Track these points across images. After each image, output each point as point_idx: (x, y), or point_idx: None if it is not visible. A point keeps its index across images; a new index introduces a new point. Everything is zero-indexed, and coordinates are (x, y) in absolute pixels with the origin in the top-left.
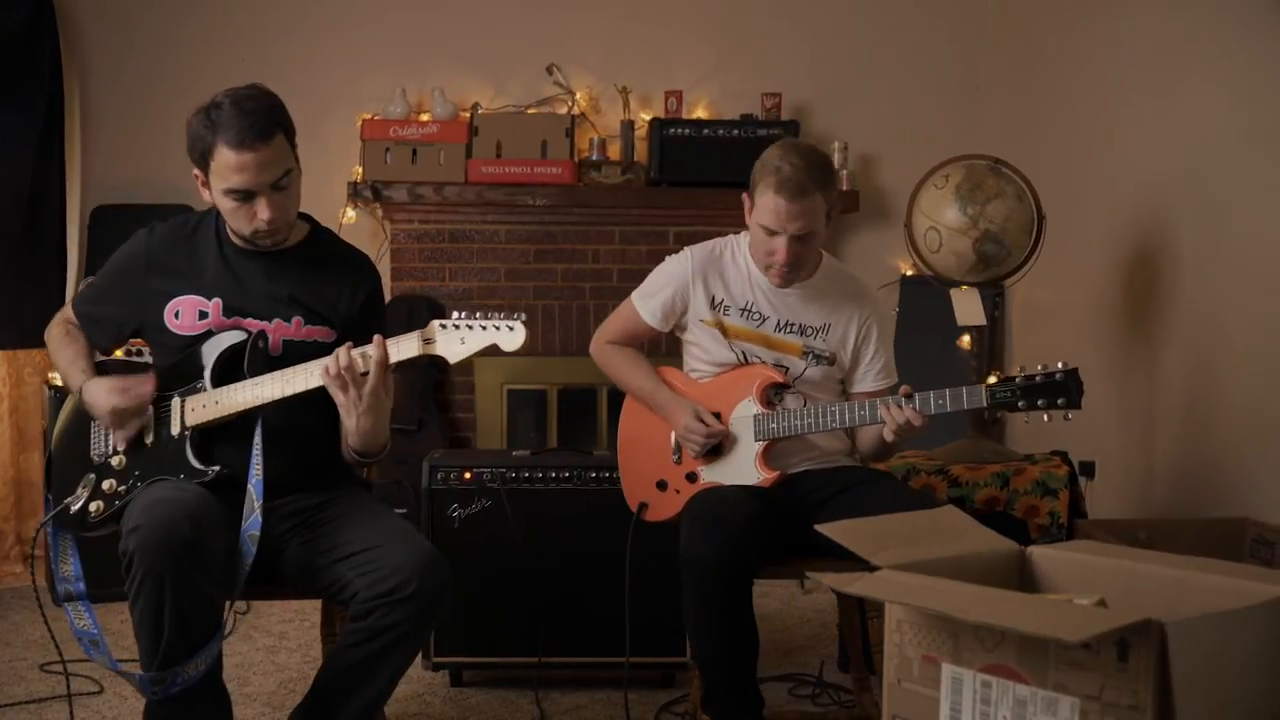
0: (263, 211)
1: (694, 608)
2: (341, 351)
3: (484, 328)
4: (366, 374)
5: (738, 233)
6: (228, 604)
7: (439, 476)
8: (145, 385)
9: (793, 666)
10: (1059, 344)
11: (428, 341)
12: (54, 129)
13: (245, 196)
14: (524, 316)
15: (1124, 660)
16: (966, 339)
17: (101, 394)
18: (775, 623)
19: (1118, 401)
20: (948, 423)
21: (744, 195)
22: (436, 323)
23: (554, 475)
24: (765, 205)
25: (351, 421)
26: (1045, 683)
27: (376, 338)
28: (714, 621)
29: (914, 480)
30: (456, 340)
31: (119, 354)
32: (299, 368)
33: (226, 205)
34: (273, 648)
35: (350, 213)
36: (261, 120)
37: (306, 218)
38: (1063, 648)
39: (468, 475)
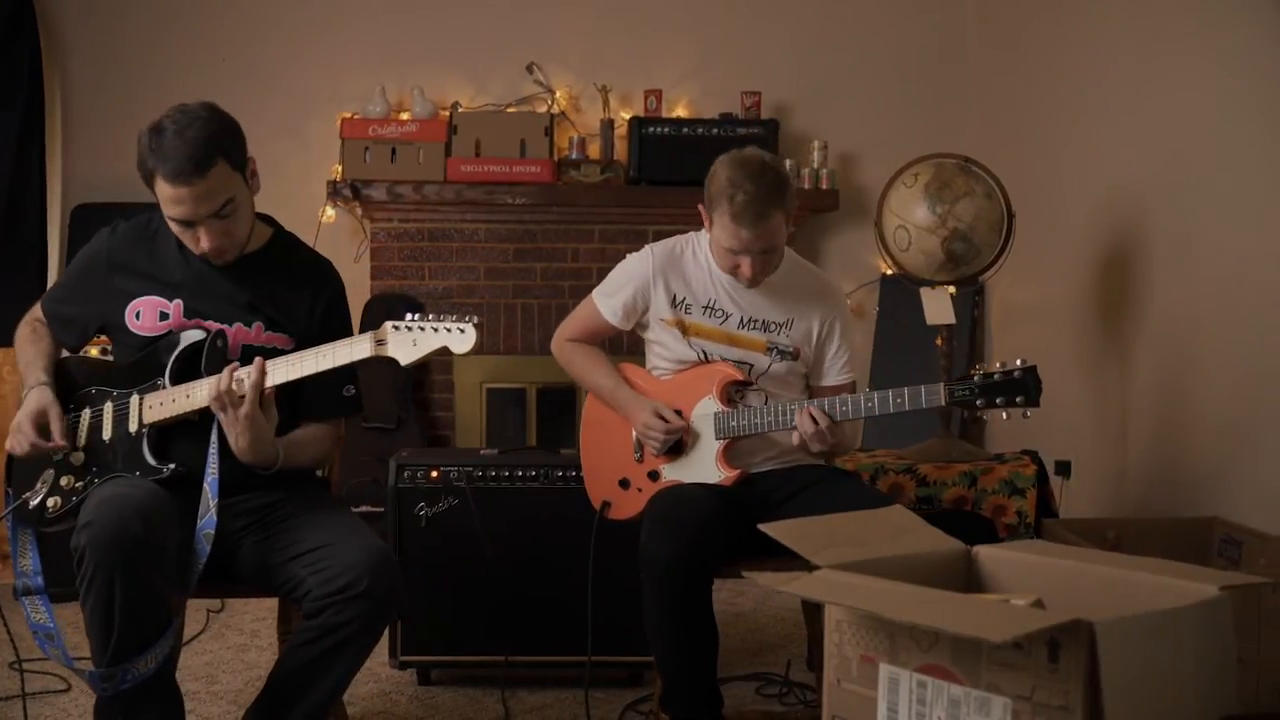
0: (204, 240)
1: (653, 607)
2: (225, 373)
3: (435, 330)
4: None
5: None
6: (206, 603)
7: (405, 475)
8: (60, 434)
9: (763, 666)
10: (1038, 343)
11: (380, 343)
12: (34, 127)
13: (186, 225)
14: (476, 319)
15: (1054, 661)
16: (943, 337)
17: (32, 407)
18: (749, 622)
19: (1094, 401)
20: (919, 422)
21: (700, 206)
22: (389, 324)
23: (520, 474)
24: (724, 229)
25: (230, 439)
26: (978, 683)
27: (257, 359)
28: (673, 620)
29: (882, 479)
30: (409, 342)
31: (94, 351)
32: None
33: (174, 227)
34: (243, 646)
35: (330, 211)
36: (199, 151)
37: (270, 221)
38: (994, 648)
39: (434, 474)
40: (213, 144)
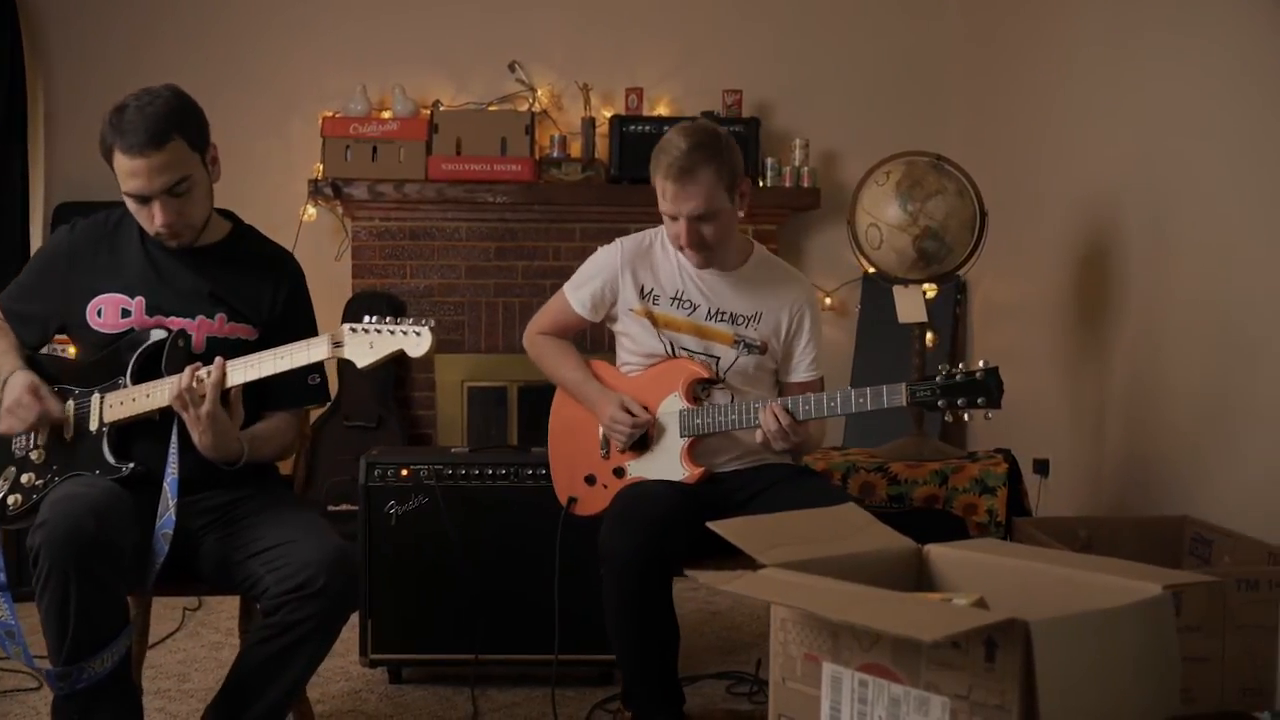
0: (158, 216)
1: (612, 603)
2: (186, 372)
3: (392, 333)
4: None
5: None
6: (184, 601)
7: (376, 473)
8: (52, 405)
9: (736, 664)
10: (1018, 341)
11: (337, 345)
12: (16, 126)
13: (141, 200)
14: (432, 322)
15: (991, 660)
16: (930, 336)
17: (19, 385)
18: (724, 620)
19: (1071, 399)
20: (898, 421)
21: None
22: (347, 326)
23: (490, 472)
24: (660, 191)
25: (194, 437)
26: (918, 682)
27: (217, 359)
28: (632, 617)
29: (854, 478)
30: (365, 344)
31: (74, 351)
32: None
33: (130, 205)
34: (218, 644)
35: (311, 210)
36: (157, 125)
37: (228, 215)
38: (933, 648)
39: (405, 472)
40: (172, 119)
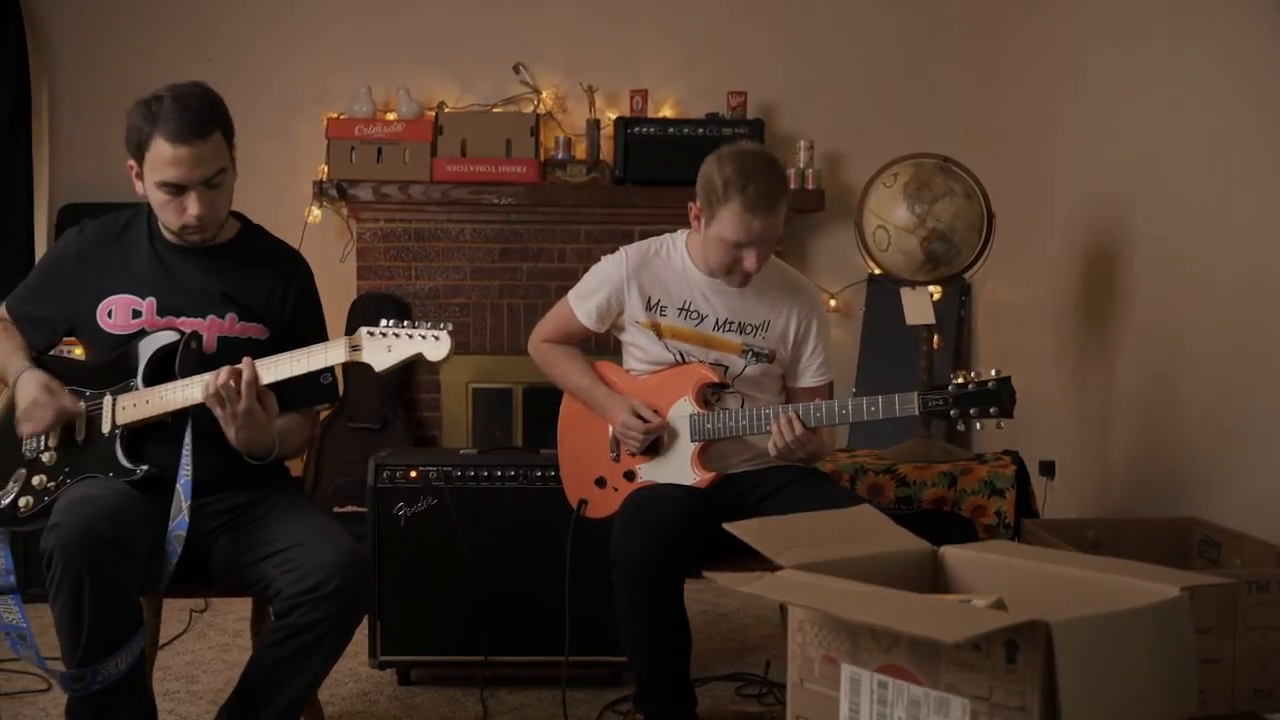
0: (192, 207)
1: (624, 606)
2: (224, 371)
3: (410, 336)
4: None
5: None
6: (190, 603)
7: (385, 475)
8: (68, 400)
9: (745, 666)
10: (1023, 343)
11: (355, 349)
12: (20, 127)
13: (176, 190)
14: (450, 326)
15: (1012, 662)
16: (936, 339)
17: (32, 385)
18: (731, 622)
19: (1077, 401)
20: (904, 423)
21: (692, 205)
22: (365, 330)
23: (499, 474)
24: (734, 222)
25: (229, 434)
26: (937, 684)
27: (245, 359)
28: (644, 619)
29: (862, 480)
30: (383, 348)
31: (80, 352)
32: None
33: (158, 198)
34: (226, 646)
35: (316, 211)
36: (200, 116)
37: (238, 215)
38: (953, 649)
39: (413, 474)
40: (211, 112)
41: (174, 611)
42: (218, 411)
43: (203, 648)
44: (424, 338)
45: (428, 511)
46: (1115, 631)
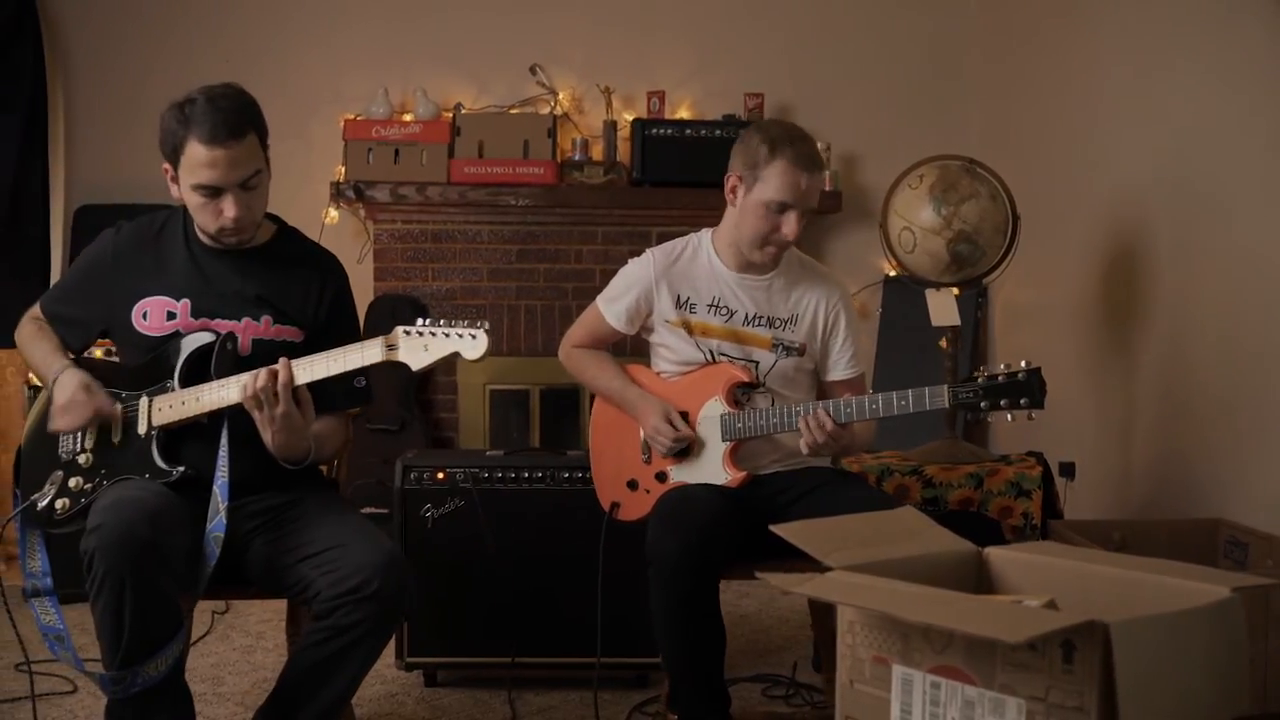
0: (229, 209)
1: (660, 606)
2: (263, 372)
3: (447, 335)
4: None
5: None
6: (211, 605)
7: (412, 477)
8: (104, 401)
9: (768, 667)
10: (1040, 344)
11: (391, 348)
12: (37, 129)
13: (213, 193)
14: (487, 325)
15: (1069, 662)
16: (947, 339)
17: (72, 383)
18: (754, 623)
19: (1097, 402)
20: (924, 423)
21: (731, 176)
22: (400, 329)
23: (527, 475)
24: (781, 179)
25: (266, 437)
26: (992, 684)
27: (282, 359)
28: (679, 619)
29: (888, 481)
30: (420, 347)
31: (98, 353)
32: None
33: (194, 201)
34: (249, 648)
35: (333, 213)
36: (235, 118)
37: (273, 217)
38: (1009, 649)
39: (441, 475)
40: (246, 114)
41: (194, 613)
42: (256, 415)
43: (226, 649)
44: (460, 336)
45: (455, 513)
46: (1171, 632)
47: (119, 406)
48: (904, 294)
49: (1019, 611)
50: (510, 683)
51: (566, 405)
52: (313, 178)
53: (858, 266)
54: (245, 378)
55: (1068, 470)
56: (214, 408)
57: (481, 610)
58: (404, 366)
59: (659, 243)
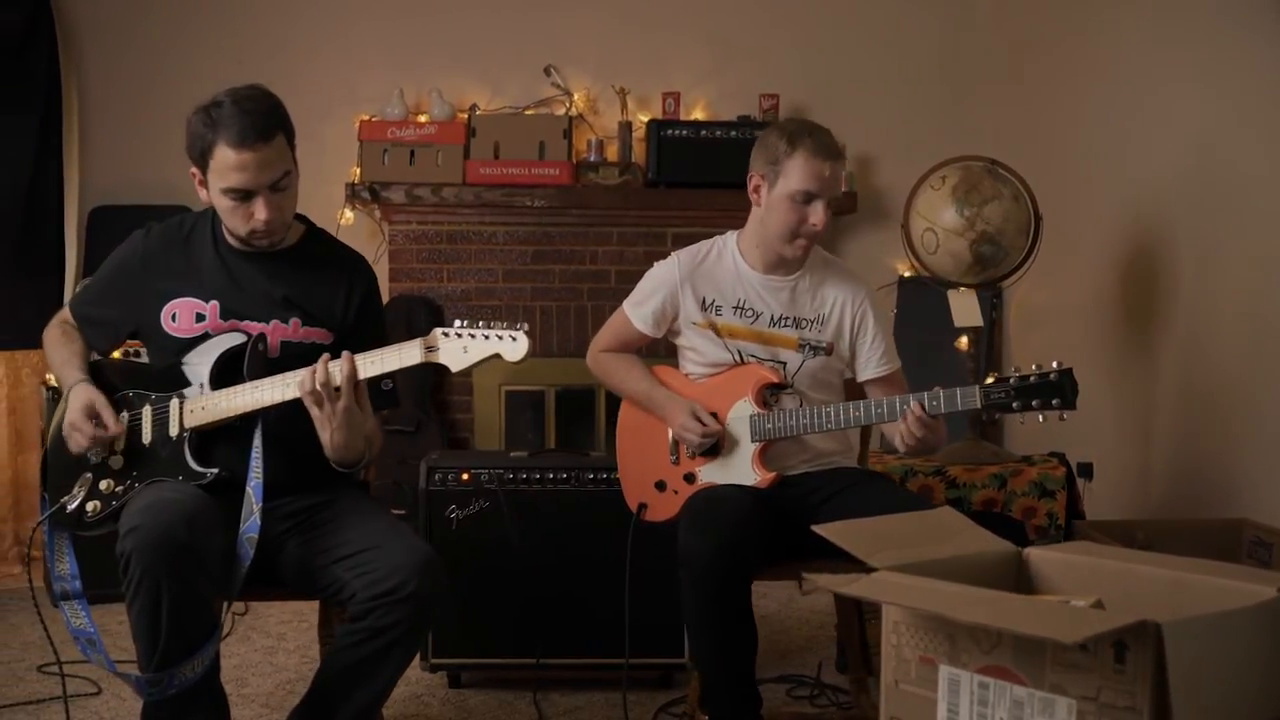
0: (260, 212)
1: (692, 606)
2: (320, 366)
3: (487, 337)
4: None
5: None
6: (226, 605)
7: (436, 478)
8: (109, 421)
9: (790, 668)
10: (1057, 345)
11: (430, 350)
12: (52, 130)
13: (243, 196)
14: (526, 326)
15: (1121, 662)
16: (964, 340)
17: (76, 405)
18: (774, 624)
19: (1115, 402)
20: (947, 424)
21: (754, 176)
22: (439, 331)
23: (552, 476)
24: (804, 169)
25: (325, 435)
26: (1042, 684)
27: (345, 354)
28: (712, 619)
29: (912, 481)
30: (459, 349)
31: (116, 355)
32: (297, 373)
33: (224, 204)
34: (271, 649)
35: (348, 214)
36: (262, 120)
37: (302, 219)
38: (1060, 649)
39: (465, 476)
40: (273, 115)
41: None
42: (315, 411)
43: (248, 651)
44: (500, 338)
45: (480, 514)
46: (1222, 632)
47: (148, 410)
48: (919, 295)
49: (1071, 612)
50: (536, 684)
51: (582, 406)
52: (327, 179)
53: (873, 267)
54: (303, 373)
55: (1085, 470)
56: (247, 409)
57: (506, 611)
58: (436, 367)
59: (674, 244)
